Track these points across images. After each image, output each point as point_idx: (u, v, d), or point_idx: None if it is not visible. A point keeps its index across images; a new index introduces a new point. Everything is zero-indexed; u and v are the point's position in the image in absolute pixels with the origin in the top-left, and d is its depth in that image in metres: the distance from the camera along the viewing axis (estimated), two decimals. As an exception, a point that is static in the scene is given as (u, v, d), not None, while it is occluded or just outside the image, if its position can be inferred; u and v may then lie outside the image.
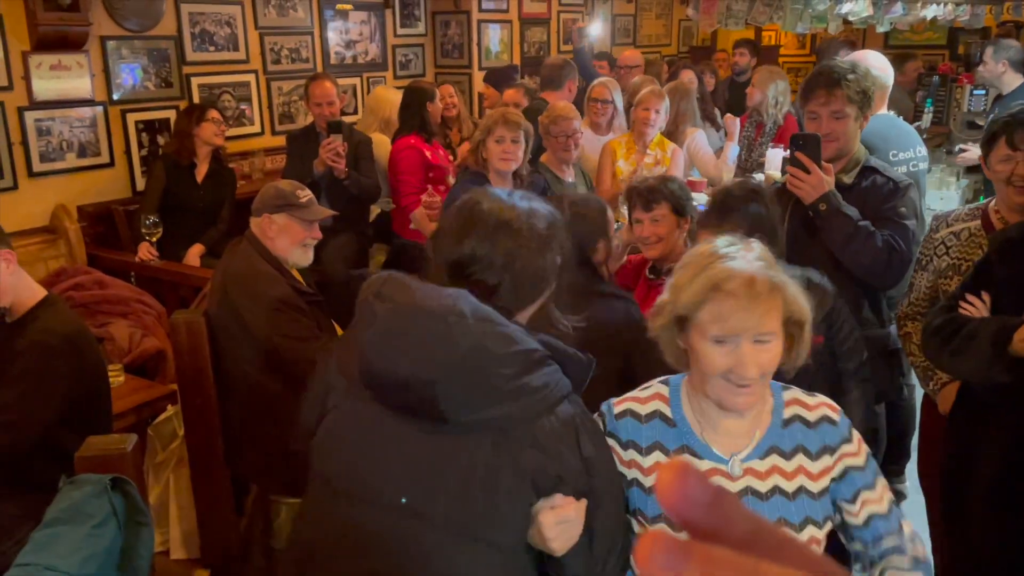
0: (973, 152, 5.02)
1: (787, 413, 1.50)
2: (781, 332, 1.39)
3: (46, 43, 4.01)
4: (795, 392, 1.53)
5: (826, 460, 1.47)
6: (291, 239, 2.72)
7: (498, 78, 5.39)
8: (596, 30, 6.77)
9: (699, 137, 4.60)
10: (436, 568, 1.38)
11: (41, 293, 2.36)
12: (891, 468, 3.60)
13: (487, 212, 1.50)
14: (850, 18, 4.86)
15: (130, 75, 4.47)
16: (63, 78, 4.14)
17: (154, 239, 3.97)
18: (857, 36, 8.57)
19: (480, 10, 6.32)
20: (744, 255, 1.40)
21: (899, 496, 3.68)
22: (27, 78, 4.00)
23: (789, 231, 2.46)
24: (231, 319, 2.63)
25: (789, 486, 1.45)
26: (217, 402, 2.70)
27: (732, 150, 4.65)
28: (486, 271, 1.48)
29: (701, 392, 1.46)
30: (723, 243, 1.44)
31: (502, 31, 6.61)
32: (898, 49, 8.10)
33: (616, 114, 4.54)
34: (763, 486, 1.45)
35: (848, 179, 2.53)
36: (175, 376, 2.82)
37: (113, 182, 4.45)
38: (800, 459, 1.47)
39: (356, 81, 5.78)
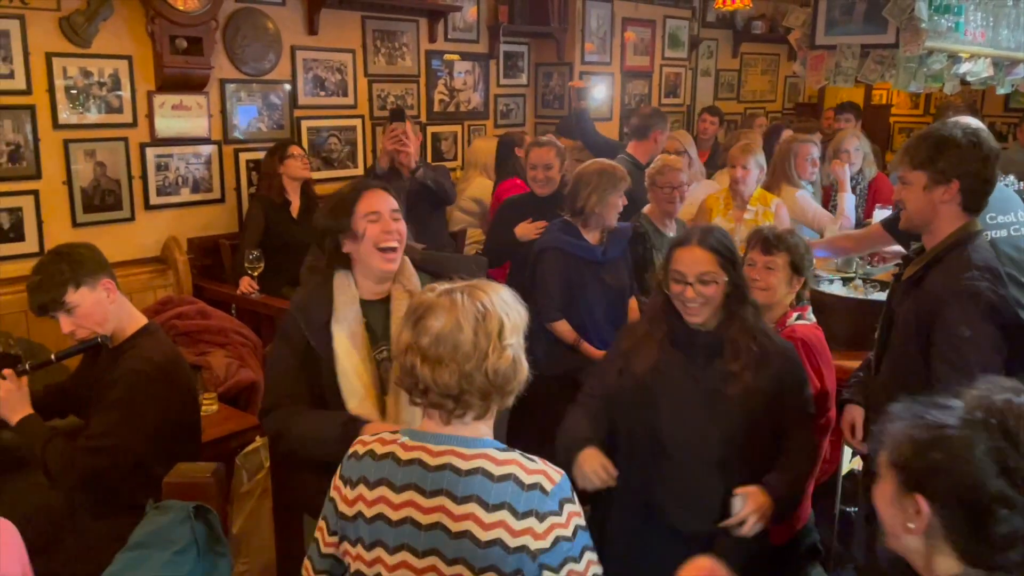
0: None
1: None
2: None
3: (170, 84, 4.25)
4: None
5: None
6: None
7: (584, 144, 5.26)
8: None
9: (801, 197, 4.40)
10: None
11: (141, 321, 2.45)
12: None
13: None
14: (968, 78, 4.64)
15: (245, 116, 4.68)
16: (183, 117, 4.38)
17: (256, 273, 4.11)
18: (975, 98, 8.25)
19: (583, 62, 6.38)
20: None
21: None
22: (150, 116, 4.25)
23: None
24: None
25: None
26: (303, 436, 2.72)
27: (848, 200, 4.48)
28: None
29: None
30: None
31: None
32: (1020, 112, 7.78)
33: (691, 162, 4.55)
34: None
35: (906, 274, 2.34)
36: (265, 408, 2.87)
37: (221, 217, 4.65)
38: None
39: (458, 129, 5.90)
